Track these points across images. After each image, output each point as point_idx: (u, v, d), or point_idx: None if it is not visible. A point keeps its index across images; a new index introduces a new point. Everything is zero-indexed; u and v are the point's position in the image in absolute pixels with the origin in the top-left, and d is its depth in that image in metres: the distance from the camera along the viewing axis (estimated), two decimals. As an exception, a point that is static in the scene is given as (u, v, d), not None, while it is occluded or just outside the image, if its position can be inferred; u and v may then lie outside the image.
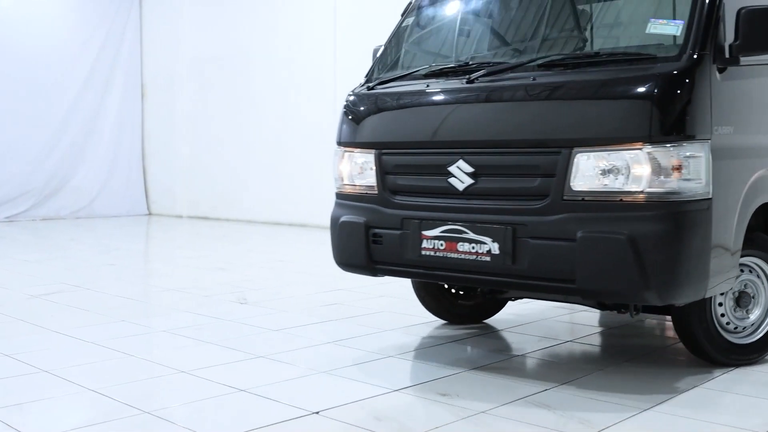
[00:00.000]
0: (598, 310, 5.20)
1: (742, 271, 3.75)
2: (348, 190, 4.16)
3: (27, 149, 12.25)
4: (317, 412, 3.19)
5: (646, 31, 3.50)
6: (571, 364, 3.99)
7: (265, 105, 11.74)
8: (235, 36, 12.10)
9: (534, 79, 3.52)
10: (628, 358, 4.05)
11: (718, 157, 3.32)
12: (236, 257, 8.25)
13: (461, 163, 3.65)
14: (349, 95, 4.22)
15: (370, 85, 4.19)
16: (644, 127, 3.21)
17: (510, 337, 4.60)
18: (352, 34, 10.44)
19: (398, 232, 3.85)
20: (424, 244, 3.75)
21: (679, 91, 3.23)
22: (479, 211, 3.60)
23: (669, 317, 3.99)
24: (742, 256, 3.61)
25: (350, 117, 4.17)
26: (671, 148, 3.20)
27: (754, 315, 3.87)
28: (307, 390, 3.52)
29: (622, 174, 3.26)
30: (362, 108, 4.13)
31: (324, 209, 10.59)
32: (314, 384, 3.62)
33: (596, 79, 3.38)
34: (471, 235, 3.60)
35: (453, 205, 3.69)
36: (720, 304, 3.77)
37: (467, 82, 3.68)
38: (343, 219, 4.11)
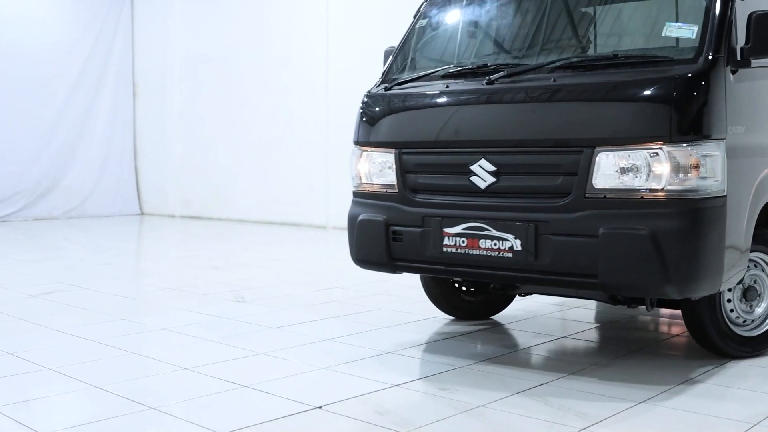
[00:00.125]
0: (599, 306, 5.29)
1: (748, 267, 3.85)
2: (366, 188, 4.21)
3: (18, 149, 12.22)
4: (320, 407, 3.25)
5: (663, 35, 3.61)
6: (568, 359, 4.07)
7: (257, 104, 11.76)
8: (227, 35, 12.12)
9: (554, 81, 3.61)
10: (624, 353, 4.13)
11: (732, 156, 3.44)
12: (231, 256, 8.29)
13: (483, 162, 3.73)
14: (366, 96, 4.27)
15: (388, 86, 4.23)
16: (664, 127, 3.32)
17: (507, 333, 4.68)
18: (344, 34, 10.48)
19: (419, 229, 3.92)
20: (446, 241, 3.82)
21: (696, 93, 3.34)
22: (501, 209, 3.69)
23: (679, 311, 4.09)
24: (750, 252, 3.72)
25: (368, 117, 4.22)
26: (689, 148, 3.31)
27: (761, 308, 3.99)
28: (309, 385, 3.59)
29: (643, 172, 3.37)
30: (381, 108, 4.17)
31: (316, 208, 10.71)
32: (316, 380, 3.68)
33: (616, 81, 3.49)
34: (493, 232, 3.69)
35: (475, 203, 3.77)
36: (728, 301, 3.88)
37: (487, 83, 3.76)
38: (361, 217, 4.16)
